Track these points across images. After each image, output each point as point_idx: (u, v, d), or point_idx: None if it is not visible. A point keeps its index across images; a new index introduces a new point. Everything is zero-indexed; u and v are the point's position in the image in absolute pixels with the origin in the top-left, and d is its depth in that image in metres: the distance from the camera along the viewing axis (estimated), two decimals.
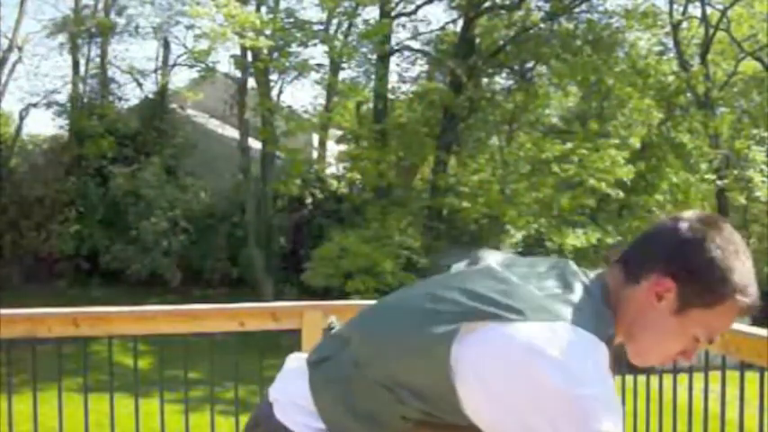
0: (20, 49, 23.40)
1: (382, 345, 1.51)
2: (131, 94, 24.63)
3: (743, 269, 1.52)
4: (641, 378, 4.07)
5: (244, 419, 3.87)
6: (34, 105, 23.53)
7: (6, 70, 22.98)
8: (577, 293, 1.47)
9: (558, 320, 1.41)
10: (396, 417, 1.46)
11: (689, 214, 1.57)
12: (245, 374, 4.41)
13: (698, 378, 3.70)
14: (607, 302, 1.51)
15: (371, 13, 20.84)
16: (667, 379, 3.83)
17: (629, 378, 4.21)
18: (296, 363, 1.66)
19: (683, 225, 1.54)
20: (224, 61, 47.85)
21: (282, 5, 20.41)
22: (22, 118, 23.89)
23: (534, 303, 1.43)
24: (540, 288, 1.47)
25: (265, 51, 18.48)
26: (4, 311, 3.29)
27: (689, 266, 1.51)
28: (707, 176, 19.73)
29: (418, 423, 1.47)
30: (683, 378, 3.79)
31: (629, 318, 1.54)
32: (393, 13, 20.72)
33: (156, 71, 23.56)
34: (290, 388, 1.59)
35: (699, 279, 1.50)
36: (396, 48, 21.41)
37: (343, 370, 1.53)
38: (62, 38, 22.91)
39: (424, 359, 1.42)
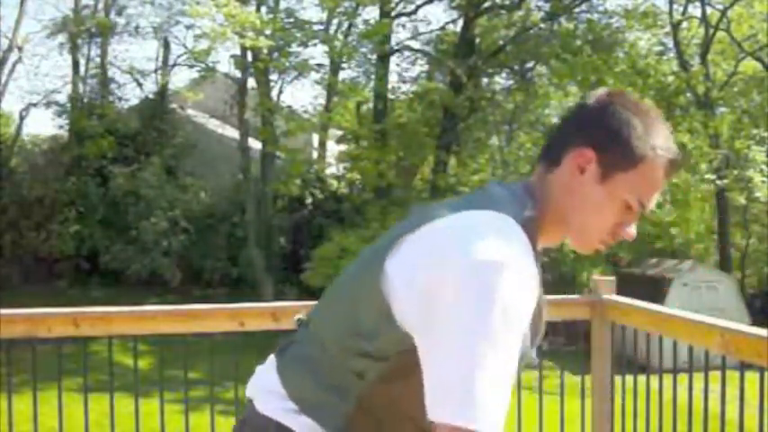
0: (20, 48, 23.42)
1: (333, 302, 1.59)
2: (131, 94, 24.75)
3: (657, 127, 1.54)
4: (641, 378, 4.07)
5: None
6: (34, 105, 23.55)
7: (6, 70, 23.00)
8: (496, 192, 1.53)
9: (471, 209, 1.47)
10: (353, 378, 1.48)
11: (594, 92, 1.61)
12: (246, 374, 4.41)
13: (698, 378, 3.71)
14: (529, 193, 1.54)
15: (371, 13, 20.88)
16: (667, 379, 3.83)
17: (629, 378, 4.21)
18: (267, 360, 1.71)
19: (591, 100, 1.58)
20: (224, 61, 48.00)
21: (282, 5, 20.44)
22: (22, 118, 23.91)
23: (453, 206, 1.51)
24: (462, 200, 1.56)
25: (265, 51, 18.48)
26: (4, 311, 3.29)
27: (604, 131, 1.53)
28: (707, 176, 19.72)
29: (376, 383, 1.47)
30: (682, 378, 3.79)
31: (557, 201, 1.54)
32: (393, 13, 20.72)
33: (156, 71, 23.58)
34: (263, 380, 1.63)
35: (616, 141, 1.51)
36: (396, 48, 21.41)
37: (305, 348, 1.59)
38: (62, 38, 22.94)
39: (365, 288, 1.47)
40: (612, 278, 4.30)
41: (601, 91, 1.60)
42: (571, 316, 4.34)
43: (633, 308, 4.01)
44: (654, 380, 3.99)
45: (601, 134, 1.53)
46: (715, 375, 3.55)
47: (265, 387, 1.61)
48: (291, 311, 3.99)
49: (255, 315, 3.83)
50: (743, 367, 3.23)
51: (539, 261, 1.50)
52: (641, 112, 1.55)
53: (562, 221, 1.55)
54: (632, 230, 1.56)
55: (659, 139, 1.53)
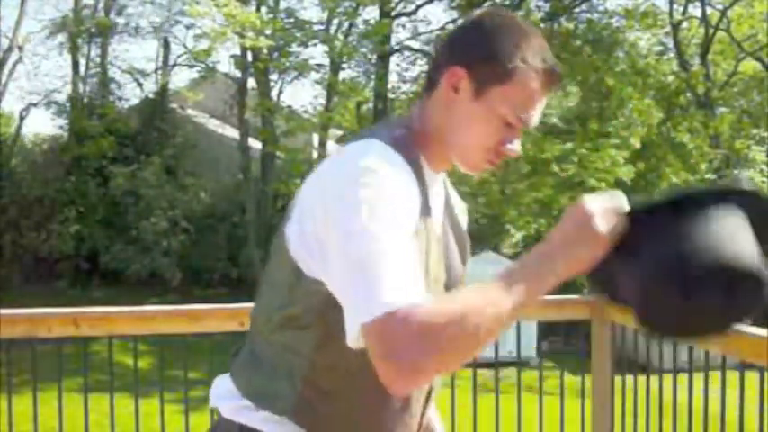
0: (20, 48, 23.42)
1: (259, 292, 1.65)
2: (131, 94, 24.70)
3: (529, 39, 1.53)
4: (641, 378, 4.07)
5: None
6: (34, 105, 23.56)
7: (7, 70, 22.99)
8: (371, 128, 1.61)
9: (349, 143, 1.52)
10: (291, 357, 1.51)
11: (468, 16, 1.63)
12: None
13: (698, 378, 3.71)
14: (404, 120, 1.59)
15: (371, 13, 20.87)
16: (667, 379, 3.83)
17: (629, 378, 4.21)
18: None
19: (462, 22, 1.62)
20: (224, 61, 47.90)
21: (282, 5, 20.45)
22: (22, 118, 23.92)
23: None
24: None
25: (265, 51, 18.48)
26: (4, 311, 3.29)
27: (474, 47, 1.52)
28: (707, 176, 19.71)
29: (313, 354, 1.50)
30: (682, 378, 3.78)
31: (436, 122, 1.55)
32: (393, 13, 20.73)
33: (156, 71, 23.59)
34: (222, 387, 1.64)
35: (485, 56, 1.50)
36: (396, 48, 21.41)
37: (249, 344, 1.64)
38: (62, 38, 22.96)
39: (275, 261, 1.58)
40: None
41: (475, 11, 1.60)
42: (571, 316, 4.33)
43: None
44: (654, 380, 3.99)
45: (471, 50, 1.52)
46: (715, 376, 3.55)
47: (224, 392, 1.62)
48: None
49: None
50: (743, 367, 3.22)
51: (429, 178, 1.54)
52: (512, 25, 1.54)
53: (444, 142, 1.56)
54: (515, 147, 1.55)
55: (531, 51, 1.52)
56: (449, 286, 1.57)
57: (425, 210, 1.47)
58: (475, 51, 1.51)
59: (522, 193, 18.53)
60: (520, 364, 4.22)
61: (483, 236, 19.38)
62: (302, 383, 1.50)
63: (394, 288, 1.27)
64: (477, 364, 4.06)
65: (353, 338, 1.30)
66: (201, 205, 20.55)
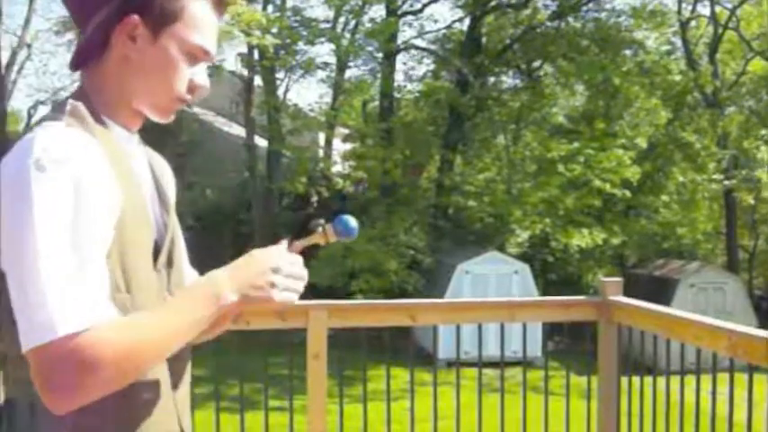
0: (29, 46, 23.44)
1: None
2: None
3: None
4: (648, 379, 4.04)
5: (249, 416, 3.85)
6: (42, 103, 23.59)
7: (16, 68, 23.03)
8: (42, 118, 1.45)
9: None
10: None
11: None
12: (251, 372, 4.40)
13: (705, 380, 3.69)
14: (75, 94, 1.49)
15: (378, 11, 20.85)
16: (674, 381, 3.81)
17: (636, 379, 4.18)
18: None
19: None
20: (230, 59, 47.89)
21: (289, 4, 20.44)
22: (30, 115, 23.96)
23: None
24: None
25: (272, 49, 18.46)
26: None
27: None
28: (714, 177, 19.66)
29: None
30: (689, 380, 3.75)
31: (116, 80, 1.49)
32: (399, 12, 20.70)
33: None
34: None
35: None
36: (402, 46, 21.39)
37: None
38: (70, 35, 22.93)
39: None
40: (619, 279, 4.27)
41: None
42: (577, 317, 4.31)
43: (640, 310, 3.98)
44: (660, 381, 3.96)
45: None
46: (723, 377, 3.52)
47: None
48: (297, 310, 3.98)
49: (261, 314, 3.80)
50: (751, 369, 3.20)
51: (123, 141, 1.50)
52: None
53: (128, 96, 1.51)
54: (203, 81, 1.55)
55: None
56: (159, 248, 1.49)
57: (124, 177, 1.40)
58: None
59: (528, 193, 18.49)
60: (525, 363, 4.20)
61: (488, 236, 19.35)
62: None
63: (59, 310, 1.20)
64: (483, 364, 4.04)
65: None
66: (207, 203, 20.56)
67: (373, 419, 4.06)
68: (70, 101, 1.42)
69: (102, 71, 1.50)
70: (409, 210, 19.29)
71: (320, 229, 1.66)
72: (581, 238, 17.60)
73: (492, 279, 16.43)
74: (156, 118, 1.57)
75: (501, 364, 4.17)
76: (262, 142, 20.73)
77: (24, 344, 1.21)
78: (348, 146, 22.32)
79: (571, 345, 15.56)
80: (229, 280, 1.43)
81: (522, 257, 18.12)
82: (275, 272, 1.47)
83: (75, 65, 1.54)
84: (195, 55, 1.52)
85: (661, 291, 15.86)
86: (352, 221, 1.69)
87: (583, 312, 4.26)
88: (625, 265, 19.64)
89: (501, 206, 18.65)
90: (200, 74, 1.55)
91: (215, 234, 20.05)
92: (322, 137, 23.96)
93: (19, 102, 41.23)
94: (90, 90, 1.50)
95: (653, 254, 19.50)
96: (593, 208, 18.28)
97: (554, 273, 19.91)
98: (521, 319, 4.11)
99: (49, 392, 1.21)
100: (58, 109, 1.42)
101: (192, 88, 1.54)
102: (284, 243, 1.58)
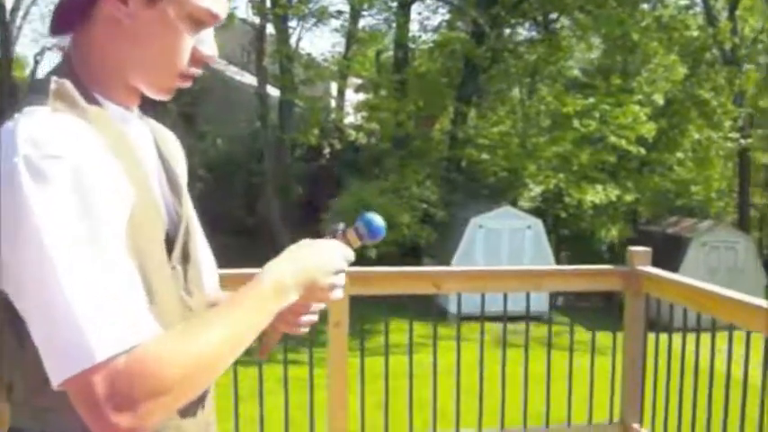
0: None
1: None
2: None
3: None
4: (663, 336, 4.00)
5: (266, 369, 3.81)
6: (49, 49, 23.41)
7: (21, 13, 22.82)
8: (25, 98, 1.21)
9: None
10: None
11: None
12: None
13: (721, 338, 3.65)
14: (59, 71, 1.25)
15: None
16: (690, 340, 3.76)
17: (651, 336, 4.13)
18: None
19: None
20: (242, 6, 47.37)
21: None
22: (36, 62, 23.80)
23: None
24: None
25: None
26: None
27: None
28: (730, 135, 19.43)
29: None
30: (705, 338, 3.69)
31: (106, 51, 1.26)
32: None
33: None
34: None
35: None
36: None
37: None
38: None
39: None
40: (648, 249, 4.17)
41: None
42: (604, 287, 4.24)
43: (670, 282, 3.88)
44: (676, 338, 3.92)
45: None
46: (740, 336, 3.48)
47: None
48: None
49: None
50: None
51: (122, 121, 1.28)
52: None
53: (124, 69, 1.27)
54: (210, 48, 1.32)
55: None
56: (172, 242, 1.29)
57: (130, 168, 1.20)
58: None
59: (542, 148, 18.33)
60: (530, 318, 4.17)
61: (501, 190, 19.25)
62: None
63: (100, 333, 1.03)
64: (485, 318, 4.00)
65: (52, 381, 1.06)
66: (219, 153, 20.48)
67: (395, 372, 4.04)
68: (54, 78, 1.19)
69: (89, 38, 1.26)
70: (422, 162, 19.17)
71: (339, 232, 1.46)
72: (594, 194, 17.48)
73: (505, 234, 16.39)
74: (154, 96, 1.33)
75: (503, 318, 4.12)
76: (274, 92, 20.56)
77: (58, 374, 1.04)
78: (361, 96, 22.14)
79: (578, 300, 15.57)
80: (293, 278, 1.29)
81: (535, 212, 18.04)
82: (337, 273, 1.37)
83: (56, 28, 1.30)
84: (200, 19, 1.28)
85: (673, 248, 15.80)
86: (377, 220, 1.48)
87: (610, 282, 4.19)
88: (638, 221, 19.53)
89: (515, 160, 18.50)
90: (206, 42, 1.32)
91: (226, 185, 20.01)
92: (334, 87, 23.76)
93: (24, 47, 41.02)
94: (76, 62, 1.27)
95: (666, 211, 19.38)
96: (608, 164, 18.13)
97: (567, 228, 19.84)
98: (547, 289, 4.08)
99: (106, 419, 1.03)
100: (39, 89, 1.19)
101: (196, 60, 1.30)
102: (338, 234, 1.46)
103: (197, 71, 1.32)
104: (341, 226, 1.47)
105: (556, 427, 4.39)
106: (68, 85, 1.19)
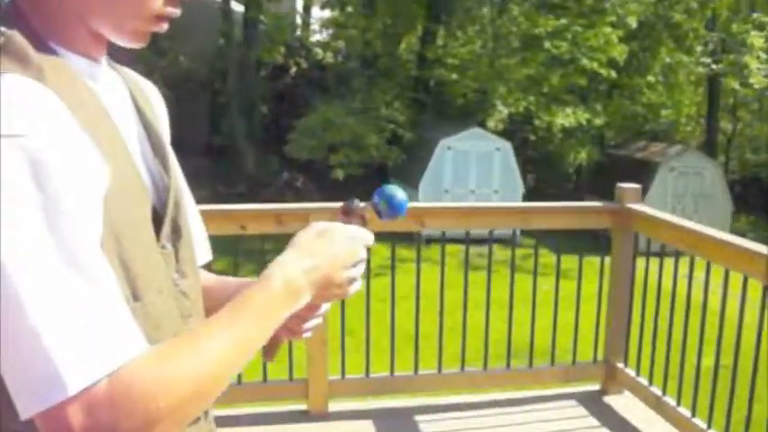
0: None
1: None
2: None
3: None
4: (653, 267, 3.92)
5: None
6: None
7: None
8: None
9: None
10: None
11: None
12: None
13: (700, 265, 3.57)
14: (4, 17, 0.99)
15: None
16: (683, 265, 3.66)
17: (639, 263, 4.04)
18: None
19: None
20: None
21: None
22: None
23: None
24: None
25: None
26: None
27: None
28: (701, 59, 19.30)
29: None
30: (700, 266, 3.59)
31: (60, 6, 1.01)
32: None
33: None
34: None
35: None
36: None
37: None
38: None
39: None
40: (638, 186, 4.04)
41: None
42: (593, 224, 4.12)
43: (663, 222, 3.75)
44: (653, 263, 3.83)
45: None
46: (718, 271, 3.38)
47: None
48: (297, 214, 3.74)
49: (258, 218, 3.58)
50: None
51: (89, 78, 1.03)
52: None
53: (85, 11, 1.01)
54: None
55: None
56: (161, 218, 1.09)
57: (102, 137, 0.97)
58: None
59: (513, 69, 18.05)
60: (501, 241, 4.09)
61: (470, 111, 19.03)
62: None
63: (71, 360, 0.82)
64: (469, 240, 3.89)
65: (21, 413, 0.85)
66: (181, 71, 19.91)
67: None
68: (3, 38, 0.92)
69: None
70: (390, 83, 18.84)
71: (355, 210, 1.26)
72: (564, 118, 17.34)
73: (473, 156, 16.25)
74: (124, 43, 1.07)
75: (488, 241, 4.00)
76: (238, 8, 19.95)
77: (28, 409, 0.83)
78: (327, 14, 21.56)
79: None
80: (306, 276, 1.10)
81: (503, 135, 17.88)
82: (355, 265, 1.18)
83: None
84: None
85: (641, 173, 15.78)
86: (399, 194, 1.28)
87: (598, 220, 4.06)
88: (606, 145, 19.48)
89: (484, 81, 18.24)
90: None
91: (189, 104, 19.53)
92: (300, 3, 23.14)
93: None
94: (27, 7, 1.01)
95: (634, 135, 19.33)
96: (578, 87, 17.94)
97: (534, 151, 19.76)
98: (534, 225, 3.94)
99: None
100: None
101: (153, 12, 1.04)
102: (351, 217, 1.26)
103: (174, 10, 1.07)
104: (356, 203, 1.27)
105: (540, 368, 4.32)
106: (18, 37, 0.93)
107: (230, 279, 1.38)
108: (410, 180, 16.42)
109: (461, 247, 3.97)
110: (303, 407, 3.96)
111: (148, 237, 1.04)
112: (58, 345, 0.81)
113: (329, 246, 1.14)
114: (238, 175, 18.19)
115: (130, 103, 1.14)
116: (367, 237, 1.21)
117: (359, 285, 1.20)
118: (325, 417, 3.92)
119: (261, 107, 20.07)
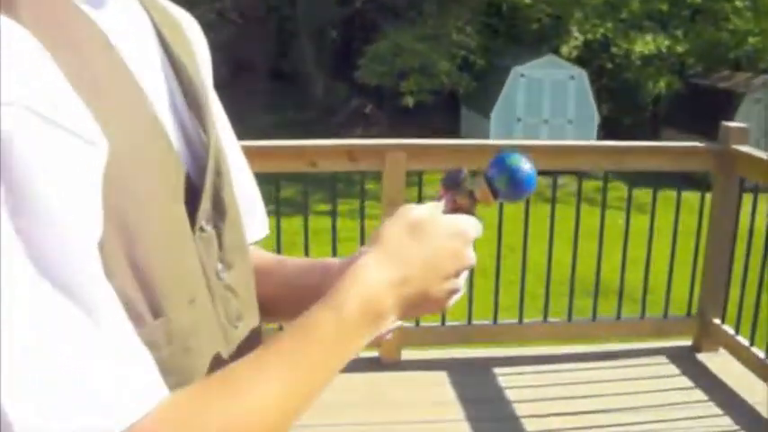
0: None
1: None
2: None
3: None
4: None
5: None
6: None
7: None
8: None
9: None
10: None
11: None
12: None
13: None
14: None
15: None
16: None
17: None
18: None
19: None
20: None
21: None
22: None
23: None
24: None
25: None
26: None
27: None
28: None
29: None
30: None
31: None
32: None
33: None
34: None
35: None
36: None
37: None
38: None
39: None
40: (744, 126, 3.68)
41: None
42: (691, 167, 3.79)
43: None
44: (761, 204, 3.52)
45: None
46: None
47: None
48: (371, 151, 3.51)
49: (329, 154, 3.35)
50: None
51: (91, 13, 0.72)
52: None
53: None
54: None
55: None
56: (197, 191, 0.81)
57: (103, 93, 0.68)
58: None
59: None
60: (580, 174, 3.81)
61: (544, 38, 18.38)
62: None
63: (22, 402, 0.56)
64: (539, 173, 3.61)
65: None
66: None
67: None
68: None
69: None
70: (462, 7, 18.27)
71: (461, 186, 0.90)
72: (644, 45, 16.61)
73: (547, 84, 15.76)
74: None
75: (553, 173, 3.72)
76: None
77: None
78: None
79: None
80: (393, 295, 0.81)
81: (578, 62, 17.24)
82: (459, 274, 0.86)
83: None
84: None
85: (724, 104, 15.07)
86: (524, 167, 0.90)
87: (698, 162, 3.73)
88: (686, 74, 18.65)
89: (560, 6, 17.54)
90: None
91: (258, 29, 19.29)
92: None
93: None
94: None
95: (717, 64, 18.44)
96: (659, 12, 17.11)
97: (610, 79, 19.06)
98: (629, 167, 3.63)
99: None
100: None
101: None
102: (441, 203, 0.89)
103: None
104: (464, 173, 0.90)
105: (628, 319, 4.06)
106: None
107: (289, 261, 1.06)
108: (481, 108, 16.04)
109: (547, 182, 3.67)
110: (374, 354, 3.80)
111: (176, 221, 0.77)
112: (21, 406, 0.56)
113: (426, 247, 0.83)
114: (307, 101, 18.02)
115: (155, 39, 0.85)
116: (475, 228, 0.88)
117: (460, 296, 0.89)
118: (397, 366, 3.75)
119: (330, 32, 19.73)
